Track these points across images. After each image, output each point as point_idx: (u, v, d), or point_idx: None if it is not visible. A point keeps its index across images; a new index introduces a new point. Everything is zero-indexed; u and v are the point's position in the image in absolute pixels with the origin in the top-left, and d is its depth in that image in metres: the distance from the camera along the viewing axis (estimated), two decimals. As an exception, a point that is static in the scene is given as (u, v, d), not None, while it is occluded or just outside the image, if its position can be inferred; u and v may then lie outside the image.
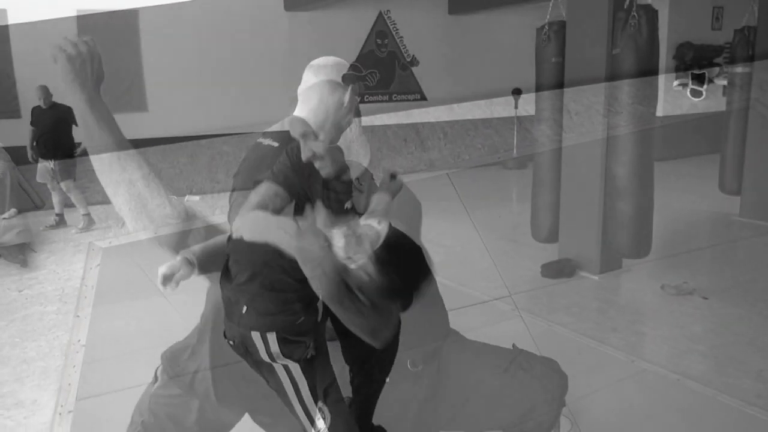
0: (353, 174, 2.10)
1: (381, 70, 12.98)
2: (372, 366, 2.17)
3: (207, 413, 2.32)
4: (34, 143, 8.75)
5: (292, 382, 2.05)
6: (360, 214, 2.06)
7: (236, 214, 2.58)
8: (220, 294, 2.20)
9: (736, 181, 8.21)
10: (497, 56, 13.32)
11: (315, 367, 2.03)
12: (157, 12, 10.94)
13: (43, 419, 3.61)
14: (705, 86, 12.32)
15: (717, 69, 12.53)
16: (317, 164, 2.00)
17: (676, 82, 12.46)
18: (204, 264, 2.65)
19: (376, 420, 2.21)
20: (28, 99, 9.46)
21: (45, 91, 8.51)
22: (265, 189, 2.06)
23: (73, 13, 10.19)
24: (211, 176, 10.55)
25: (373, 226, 2.07)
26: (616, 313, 5.33)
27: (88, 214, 8.69)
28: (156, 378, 2.32)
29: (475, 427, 2.60)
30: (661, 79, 5.82)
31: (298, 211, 2.05)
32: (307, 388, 2.03)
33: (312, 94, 2.67)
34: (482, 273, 5.91)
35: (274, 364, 2.04)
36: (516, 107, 12.54)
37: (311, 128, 1.98)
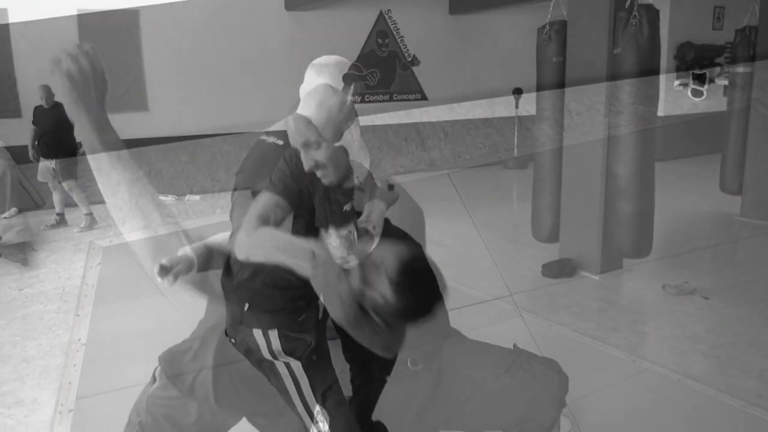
0: (355, 174, 2.09)
1: (382, 70, 12.98)
2: (372, 365, 2.17)
3: (205, 416, 2.32)
4: (36, 142, 8.75)
5: (293, 380, 2.04)
6: (360, 213, 2.06)
7: (238, 213, 2.58)
8: (219, 304, 2.20)
9: (737, 180, 8.21)
10: (498, 56, 13.33)
11: (316, 365, 2.02)
12: (158, 11, 10.94)
13: (44, 418, 3.60)
14: (706, 86, 12.31)
15: (718, 69, 12.53)
16: (319, 173, 1.99)
17: (677, 82, 12.46)
18: (204, 262, 2.65)
19: (376, 419, 2.21)
20: (29, 98, 9.46)
21: (47, 91, 8.52)
22: (266, 200, 2.05)
23: (74, 12, 10.19)
24: (212, 175, 10.55)
25: (368, 231, 2.07)
26: (617, 312, 5.32)
27: (90, 214, 8.69)
28: (154, 379, 2.32)
29: (476, 426, 2.60)
30: (662, 79, 5.81)
31: (298, 218, 2.06)
32: (308, 386, 2.03)
33: (313, 95, 2.67)
34: (483, 273, 5.90)
35: (275, 362, 2.04)
36: (517, 107, 12.55)
37: (313, 136, 1.96)
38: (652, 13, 5.48)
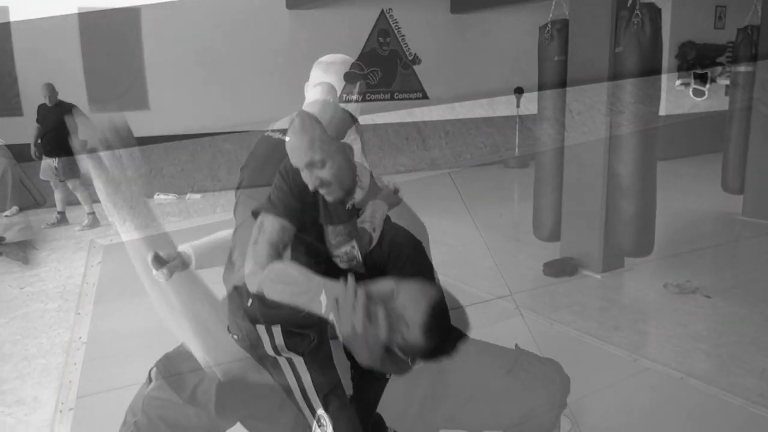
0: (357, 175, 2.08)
1: (383, 69, 12.98)
2: (374, 364, 2.16)
3: (202, 419, 2.31)
4: (39, 141, 8.76)
5: (296, 377, 2.03)
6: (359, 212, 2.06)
7: (242, 210, 2.58)
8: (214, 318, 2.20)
9: (739, 180, 8.20)
10: (499, 55, 13.33)
11: (318, 361, 2.01)
12: (159, 9, 10.94)
13: (44, 416, 3.60)
14: (707, 86, 12.31)
15: (719, 68, 12.52)
16: (324, 191, 1.97)
17: (678, 81, 12.45)
18: (202, 259, 2.64)
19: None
20: (30, 96, 9.47)
21: (51, 89, 8.53)
22: (271, 225, 2.04)
23: (75, 11, 10.19)
24: (213, 174, 10.56)
25: (367, 230, 2.07)
26: (619, 311, 5.32)
27: (93, 213, 8.71)
28: (150, 379, 2.31)
29: (476, 425, 2.59)
30: (664, 79, 5.81)
31: (301, 232, 2.05)
32: (311, 382, 2.02)
33: (318, 93, 2.67)
34: (484, 272, 5.90)
35: (278, 358, 2.03)
36: (518, 106, 12.54)
37: (318, 155, 1.94)
38: (654, 12, 5.47)
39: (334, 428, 1.99)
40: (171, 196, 10.44)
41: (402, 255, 2.07)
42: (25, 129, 9.07)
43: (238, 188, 2.67)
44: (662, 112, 6.04)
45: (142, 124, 10.16)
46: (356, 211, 2.04)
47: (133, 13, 10.79)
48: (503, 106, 13.22)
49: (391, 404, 2.20)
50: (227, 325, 2.22)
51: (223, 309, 2.23)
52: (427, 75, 13.38)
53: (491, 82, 13.36)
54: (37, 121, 8.74)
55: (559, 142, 6.26)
